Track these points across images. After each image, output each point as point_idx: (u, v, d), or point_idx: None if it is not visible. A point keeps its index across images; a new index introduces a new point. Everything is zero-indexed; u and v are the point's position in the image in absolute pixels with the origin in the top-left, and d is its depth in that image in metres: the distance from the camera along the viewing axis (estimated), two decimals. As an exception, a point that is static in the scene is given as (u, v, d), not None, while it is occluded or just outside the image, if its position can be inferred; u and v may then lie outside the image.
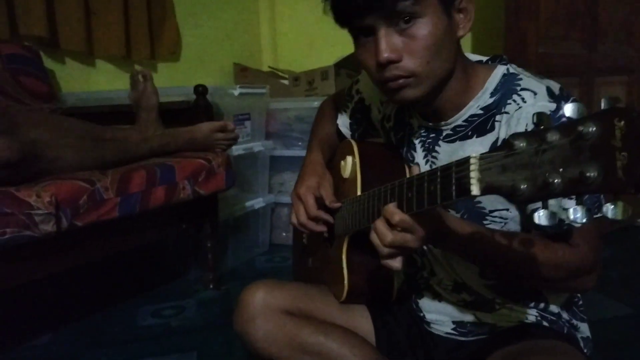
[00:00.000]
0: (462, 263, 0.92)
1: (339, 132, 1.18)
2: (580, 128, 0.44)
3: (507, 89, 0.84)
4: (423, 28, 0.76)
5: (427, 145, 0.95)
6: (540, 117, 0.49)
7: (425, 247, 0.98)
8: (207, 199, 1.90)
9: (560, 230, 0.77)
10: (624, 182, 0.42)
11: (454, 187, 0.59)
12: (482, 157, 0.54)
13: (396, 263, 0.74)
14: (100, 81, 2.43)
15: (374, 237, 0.74)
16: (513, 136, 0.50)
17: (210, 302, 1.94)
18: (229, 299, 1.95)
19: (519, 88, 0.83)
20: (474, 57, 0.92)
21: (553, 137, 0.47)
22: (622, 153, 0.42)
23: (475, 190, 0.54)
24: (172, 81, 2.74)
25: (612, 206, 0.44)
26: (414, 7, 0.75)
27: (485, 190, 0.54)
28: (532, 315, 0.92)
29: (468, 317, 0.96)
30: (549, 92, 0.81)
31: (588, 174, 0.44)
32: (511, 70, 0.86)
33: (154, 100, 1.85)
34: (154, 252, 2.36)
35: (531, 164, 0.48)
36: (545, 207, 0.49)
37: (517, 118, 0.80)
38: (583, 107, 0.46)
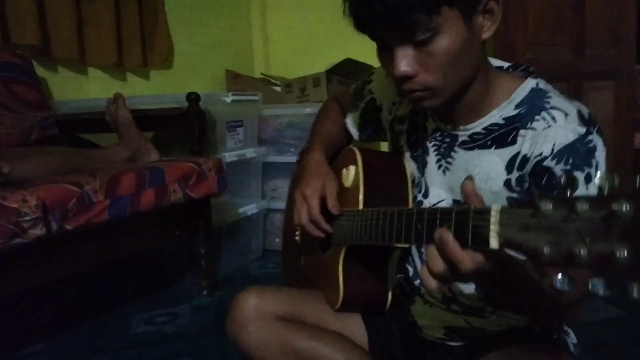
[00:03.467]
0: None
1: (345, 130, 1.16)
2: (615, 206, 0.43)
3: (534, 105, 0.82)
4: (440, 44, 0.74)
5: (442, 150, 0.92)
6: (569, 179, 0.48)
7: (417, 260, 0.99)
8: (199, 204, 1.91)
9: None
10: None
11: (470, 234, 0.56)
12: (503, 211, 0.53)
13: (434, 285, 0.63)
14: (92, 89, 2.43)
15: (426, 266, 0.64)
16: (540, 196, 0.49)
17: (204, 308, 1.94)
18: (222, 305, 1.96)
19: (548, 106, 0.81)
20: (495, 62, 0.90)
21: (583, 207, 0.45)
22: None
23: (494, 243, 0.53)
24: (164, 88, 2.75)
25: (633, 287, 0.42)
26: (430, 23, 0.72)
27: (504, 245, 0.53)
28: (522, 319, 0.93)
29: (459, 323, 0.96)
30: (580, 115, 0.79)
31: (617, 254, 0.42)
32: (540, 86, 0.84)
33: (128, 116, 1.96)
34: (148, 259, 2.36)
35: (557, 229, 0.47)
36: (565, 273, 0.48)
37: (545, 136, 0.78)
38: (617, 178, 0.45)
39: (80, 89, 2.39)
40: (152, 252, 2.36)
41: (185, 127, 1.99)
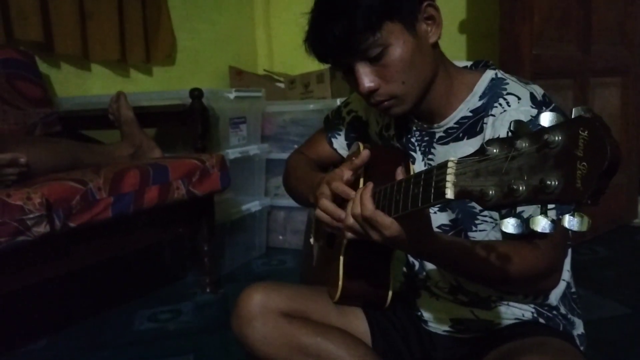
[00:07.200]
0: None
1: (332, 157, 1.17)
2: (547, 136, 0.45)
3: (494, 93, 0.88)
4: (392, 55, 0.83)
5: (423, 148, 0.98)
6: (517, 124, 0.49)
7: None
8: (203, 201, 1.90)
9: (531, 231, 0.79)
10: (582, 192, 0.42)
11: (432, 191, 0.60)
12: (459, 162, 0.56)
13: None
14: (95, 85, 2.43)
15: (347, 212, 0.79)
16: (488, 142, 0.51)
17: (207, 305, 1.93)
18: (225, 302, 1.95)
19: (504, 92, 0.87)
20: (460, 64, 0.96)
21: (523, 144, 0.47)
22: (582, 163, 0.42)
23: (449, 193, 0.56)
24: (167, 85, 2.75)
25: (572, 217, 0.44)
26: (378, 41, 0.82)
27: (459, 195, 0.55)
28: (528, 311, 0.93)
29: (465, 315, 0.97)
30: (532, 97, 0.85)
31: (549, 182, 0.44)
32: (499, 75, 0.90)
33: (130, 114, 1.96)
34: (151, 256, 2.36)
35: (501, 170, 0.49)
36: (514, 215, 0.49)
37: (501, 120, 0.84)
38: (559, 116, 0.46)
39: (83, 85, 2.38)
40: (155, 249, 2.36)
41: (188, 124, 1.98)
